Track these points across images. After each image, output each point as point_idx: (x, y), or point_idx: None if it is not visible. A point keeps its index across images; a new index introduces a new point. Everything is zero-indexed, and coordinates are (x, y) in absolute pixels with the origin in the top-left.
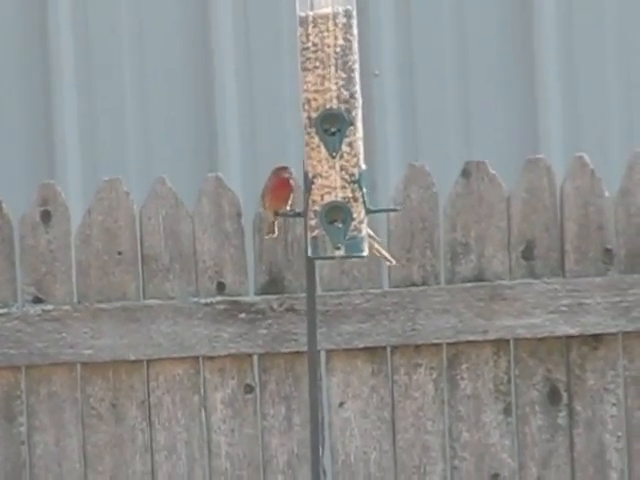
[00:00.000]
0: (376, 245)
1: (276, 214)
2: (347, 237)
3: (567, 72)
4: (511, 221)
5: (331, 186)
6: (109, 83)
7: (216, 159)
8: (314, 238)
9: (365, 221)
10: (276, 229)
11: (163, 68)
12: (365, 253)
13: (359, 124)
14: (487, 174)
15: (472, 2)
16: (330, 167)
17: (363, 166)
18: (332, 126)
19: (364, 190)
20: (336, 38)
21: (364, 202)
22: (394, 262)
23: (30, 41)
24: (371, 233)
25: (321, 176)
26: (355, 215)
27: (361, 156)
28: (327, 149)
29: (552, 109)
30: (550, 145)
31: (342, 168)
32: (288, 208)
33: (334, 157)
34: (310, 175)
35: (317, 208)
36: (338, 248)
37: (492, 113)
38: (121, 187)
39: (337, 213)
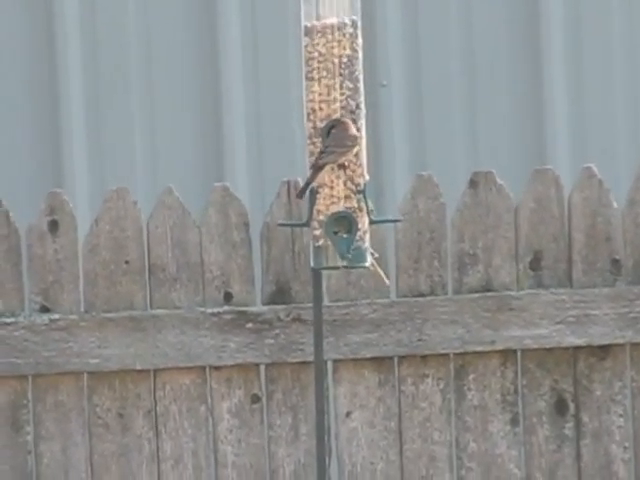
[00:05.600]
0: (372, 261)
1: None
2: (353, 247)
3: (575, 83)
4: (519, 231)
5: (337, 196)
6: (117, 93)
7: (223, 169)
8: (318, 248)
9: (369, 231)
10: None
11: (171, 78)
12: (368, 264)
13: (364, 134)
14: (495, 184)
15: (480, 13)
16: (336, 177)
17: (367, 176)
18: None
19: (368, 200)
20: (344, 48)
21: (368, 212)
22: (388, 282)
23: (37, 46)
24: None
25: (326, 186)
26: (360, 225)
27: (365, 166)
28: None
29: (559, 120)
30: (557, 156)
31: (348, 178)
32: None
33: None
34: (315, 185)
35: (322, 218)
36: (345, 258)
37: (500, 124)
38: (128, 197)
39: (342, 223)
